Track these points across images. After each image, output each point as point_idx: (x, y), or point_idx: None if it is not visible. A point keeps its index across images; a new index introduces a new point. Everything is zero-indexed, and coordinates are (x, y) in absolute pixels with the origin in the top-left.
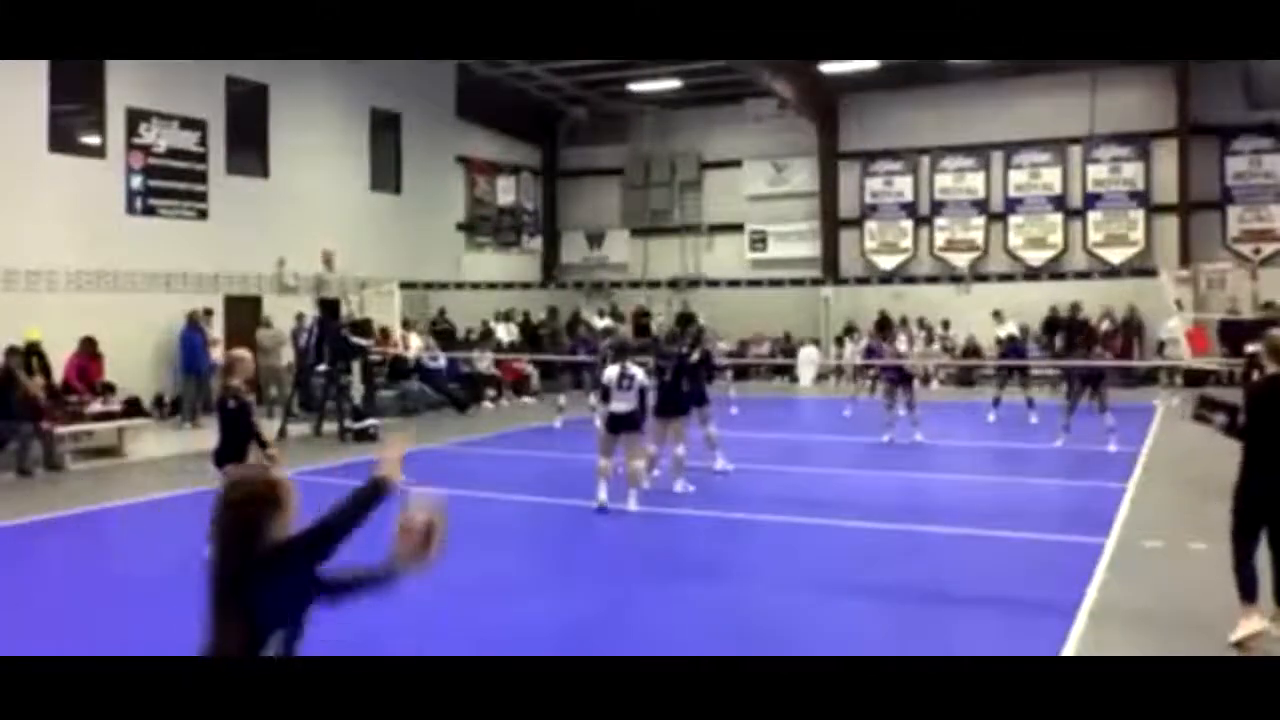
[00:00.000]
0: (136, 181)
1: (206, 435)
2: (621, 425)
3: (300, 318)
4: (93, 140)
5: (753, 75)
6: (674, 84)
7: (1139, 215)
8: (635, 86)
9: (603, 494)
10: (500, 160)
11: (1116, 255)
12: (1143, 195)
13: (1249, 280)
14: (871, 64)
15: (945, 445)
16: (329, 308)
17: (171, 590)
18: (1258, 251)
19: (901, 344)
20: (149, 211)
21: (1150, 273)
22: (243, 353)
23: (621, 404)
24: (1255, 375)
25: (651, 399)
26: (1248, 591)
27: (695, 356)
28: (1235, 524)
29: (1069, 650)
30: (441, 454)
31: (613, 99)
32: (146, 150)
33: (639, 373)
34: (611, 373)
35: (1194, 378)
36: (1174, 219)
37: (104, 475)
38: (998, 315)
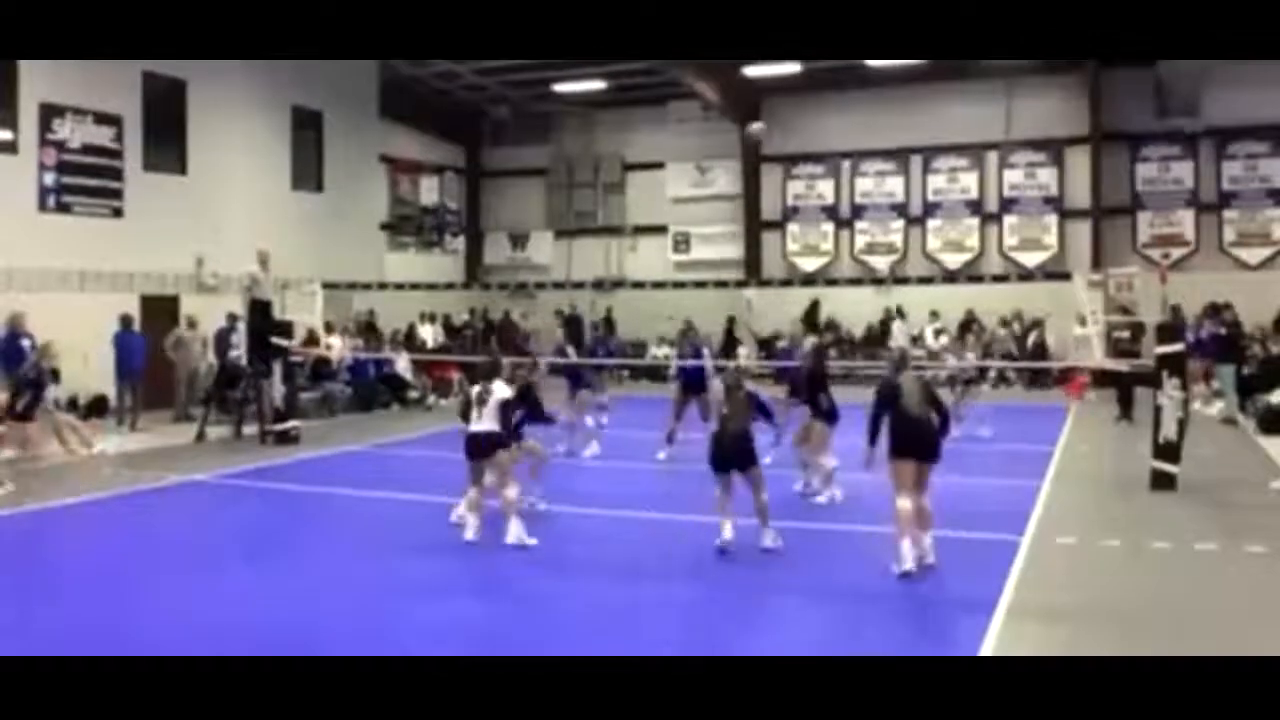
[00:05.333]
0: (50, 178)
1: (136, 438)
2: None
3: (232, 317)
4: (4, 136)
5: (677, 77)
6: (598, 85)
7: (1053, 220)
8: (560, 87)
9: (471, 532)
10: (423, 160)
11: (1031, 259)
12: (1056, 200)
13: (1158, 284)
14: (794, 67)
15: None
16: (262, 309)
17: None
18: (1166, 256)
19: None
20: (63, 209)
21: (1063, 276)
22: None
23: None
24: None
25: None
26: None
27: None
28: None
29: (989, 646)
30: (364, 456)
31: (537, 99)
32: (60, 146)
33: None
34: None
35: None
36: (1086, 224)
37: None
38: (935, 315)
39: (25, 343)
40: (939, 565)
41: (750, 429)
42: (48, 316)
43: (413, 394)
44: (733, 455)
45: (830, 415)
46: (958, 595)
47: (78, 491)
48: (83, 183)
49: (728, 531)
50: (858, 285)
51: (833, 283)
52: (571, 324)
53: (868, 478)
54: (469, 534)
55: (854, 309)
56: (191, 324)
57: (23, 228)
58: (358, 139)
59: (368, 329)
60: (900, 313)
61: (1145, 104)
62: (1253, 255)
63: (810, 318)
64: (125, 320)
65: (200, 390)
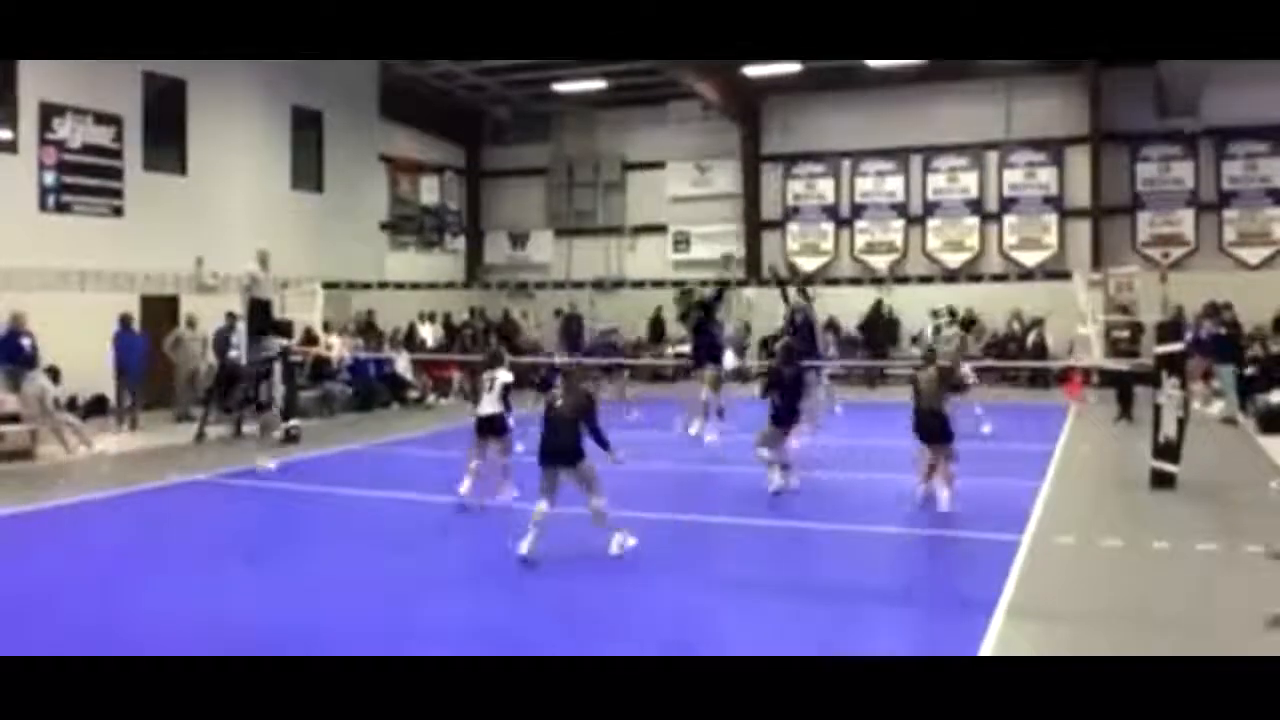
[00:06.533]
0: (50, 178)
1: (136, 438)
2: (488, 428)
3: (232, 317)
4: (4, 135)
5: (677, 77)
6: (598, 84)
7: (1052, 219)
8: (560, 87)
9: (465, 487)
10: (423, 159)
11: (1031, 258)
12: (1056, 200)
13: (1158, 284)
14: (794, 67)
15: (862, 444)
16: (261, 308)
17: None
18: (1166, 256)
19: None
20: (63, 209)
21: (1063, 275)
22: None
23: (486, 407)
24: (1166, 375)
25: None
26: None
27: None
28: None
29: (989, 646)
30: (364, 455)
31: (537, 99)
32: (60, 146)
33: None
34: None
35: (1111, 378)
36: (1086, 223)
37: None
38: (946, 314)
39: (25, 341)
40: (940, 565)
41: (579, 423)
42: (48, 316)
43: (413, 393)
44: (559, 448)
45: (779, 418)
46: (958, 595)
47: (78, 491)
48: (83, 182)
49: (525, 546)
50: (858, 285)
51: (833, 282)
52: (569, 323)
53: (860, 478)
54: (463, 489)
55: (855, 309)
56: (191, 324)
57: (23, 228)
58: (358, 139)
59: (368, 329)
60: (951, 313)
61: (1145, 104)
62: (1253, 255)
63: (874, 317)
64: (125, 320)
65: (200, 390)
